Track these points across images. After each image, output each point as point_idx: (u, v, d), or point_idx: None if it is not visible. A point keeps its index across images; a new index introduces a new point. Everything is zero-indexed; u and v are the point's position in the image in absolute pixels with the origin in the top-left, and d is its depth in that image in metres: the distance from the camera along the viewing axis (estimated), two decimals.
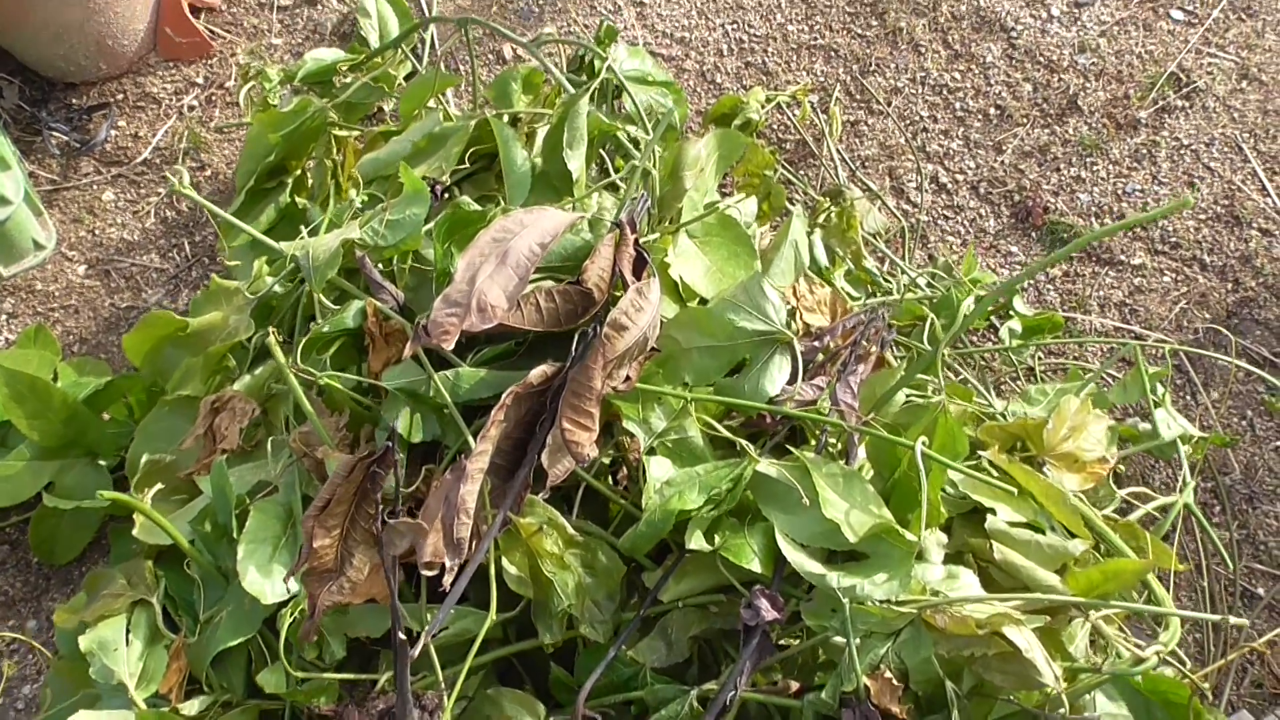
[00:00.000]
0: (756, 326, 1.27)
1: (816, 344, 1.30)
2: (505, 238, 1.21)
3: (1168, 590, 1.32)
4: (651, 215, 1.41)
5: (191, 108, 2.26)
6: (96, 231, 2.13)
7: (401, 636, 1.01)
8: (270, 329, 1.31)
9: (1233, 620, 1.05)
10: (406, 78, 2.03)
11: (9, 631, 1.75)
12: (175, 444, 1.55)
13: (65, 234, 2.12)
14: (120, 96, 2.27)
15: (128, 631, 1.26)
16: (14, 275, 2.06)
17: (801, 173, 2.14)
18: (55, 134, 2.22)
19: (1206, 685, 1.64)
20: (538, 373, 1.18)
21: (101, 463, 1.74)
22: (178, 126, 2.23)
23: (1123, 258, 2.03)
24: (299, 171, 1.89)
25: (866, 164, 2.17)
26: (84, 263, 2.10)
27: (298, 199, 1.86)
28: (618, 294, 1.30)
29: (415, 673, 1.15)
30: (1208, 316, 1.98)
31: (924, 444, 1.16)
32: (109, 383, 1.75)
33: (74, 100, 2.27)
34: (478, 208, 1.34)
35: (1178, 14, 2.29)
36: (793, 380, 1.27)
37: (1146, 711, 1.17)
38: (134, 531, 1.34)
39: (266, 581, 1.19)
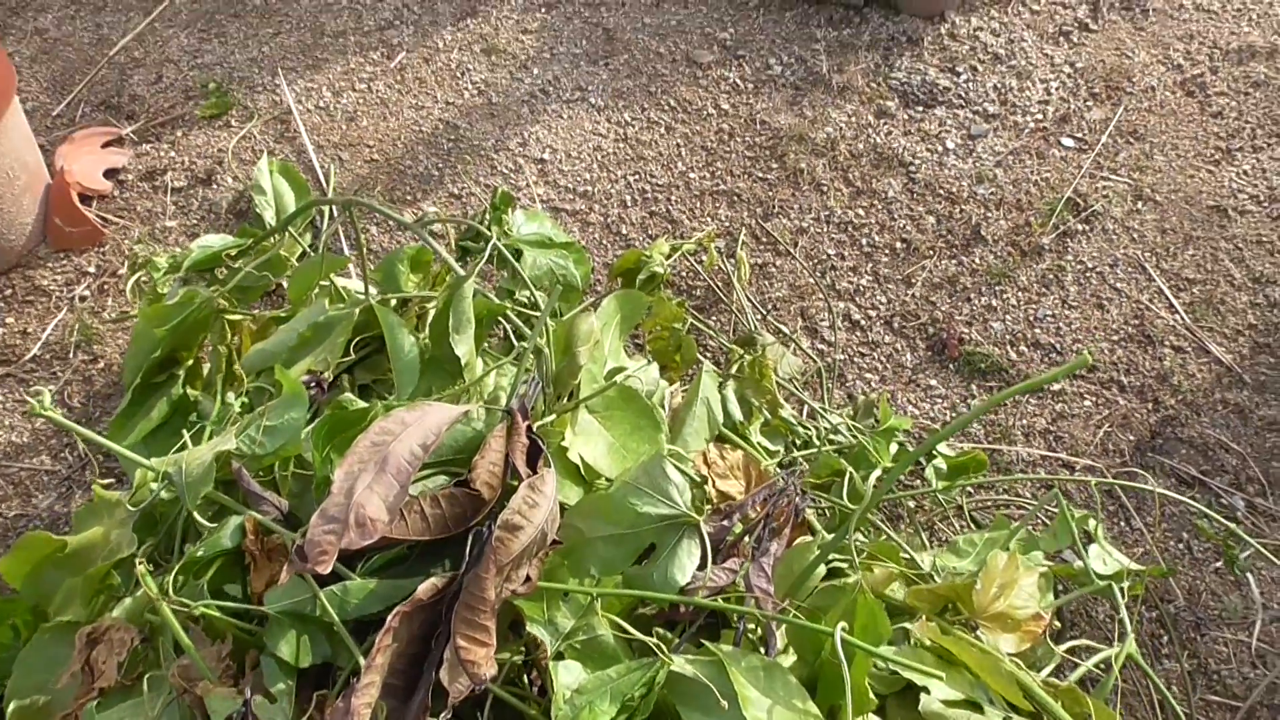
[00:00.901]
0: (661, 510, 1.21)
1: (725, 523, 1.24)
2: (385, 441, 1.14)
3: None
4: (546, 395, 1.36)
5: (83, 298, 2.19)
6: None
7: None
8: (138, 558, 1.22)
9: None
10: (300, 257, 1.98)
11: None
12: (54, 676, 1.43)
13: None
14: (8, 292, 2.20)
15: None
16: None
17: (714, 319, 2.12)
18: None
19: None
20: (425, 587, 1.09)
21: None
22: (69, 319, 2.15)
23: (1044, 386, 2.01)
24: (190, 362, 1.82)
25: (778, 306, 2.15)
26: None
27: (190, 390, 1.78)
28: (514, 484, 1.23)
29: None
30: (1132, 439, 1.96)
31: (844, 629, 1.09)
32: None
33: None
34: (361, 404, 1.27)
35: (1068, 141, 2.35)
36: (703, 565, 1.20)
37: None
38: None
39: None
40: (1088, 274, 2.14)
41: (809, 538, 1.37)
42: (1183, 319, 2.08)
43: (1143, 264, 2.15)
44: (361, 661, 1.11)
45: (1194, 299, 2.11)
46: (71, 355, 2.10)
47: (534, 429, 1.25)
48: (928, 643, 1.23)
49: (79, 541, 1.48)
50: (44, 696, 1.34)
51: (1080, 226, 2.20)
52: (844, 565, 1.33)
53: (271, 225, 2.01)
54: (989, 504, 1.86)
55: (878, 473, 1.44)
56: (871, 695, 1.12)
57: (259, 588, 1.21)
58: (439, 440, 1.14)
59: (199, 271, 1.90)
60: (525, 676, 1.28)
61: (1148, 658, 1.72)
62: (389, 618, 1.06)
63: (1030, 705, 1.18)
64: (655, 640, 1.13)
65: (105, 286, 2.20)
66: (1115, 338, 2.06)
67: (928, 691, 1.16)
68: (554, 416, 1.33)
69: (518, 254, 1.81)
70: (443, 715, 1.11)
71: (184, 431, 1.58)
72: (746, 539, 1.25)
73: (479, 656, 1.06)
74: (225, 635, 1.22)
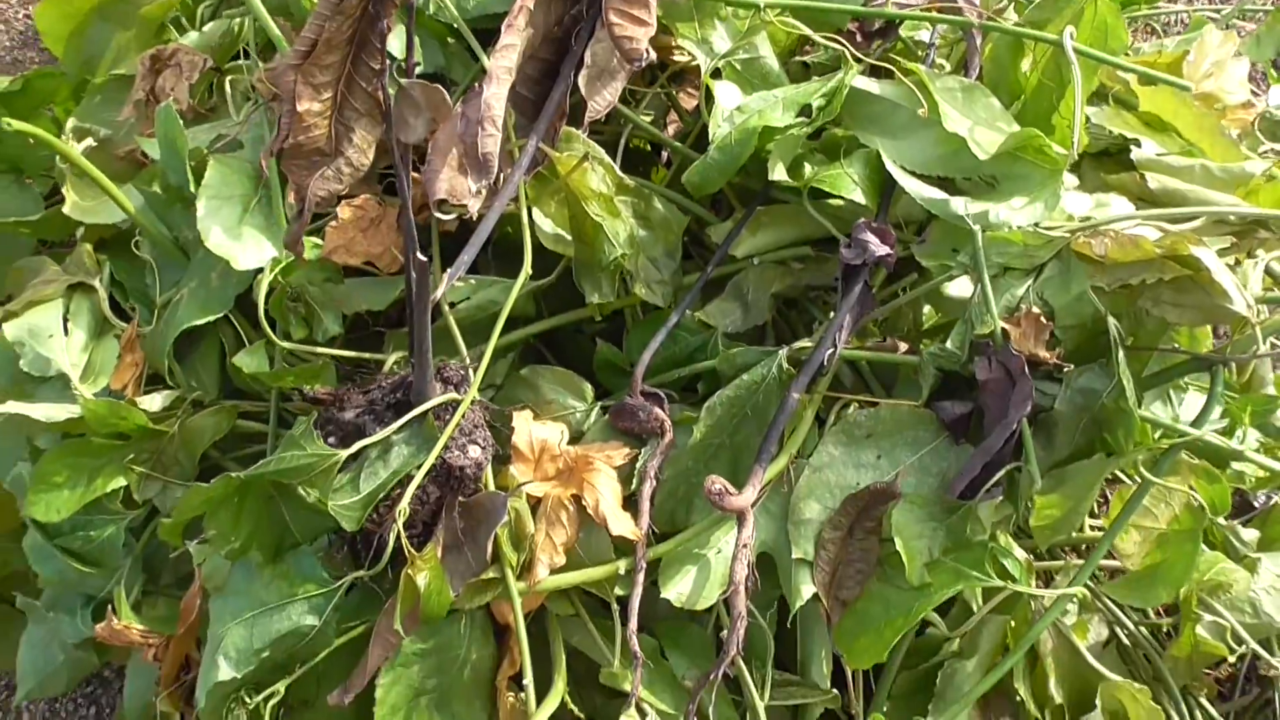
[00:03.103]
0: None
1: None
2: None
3: None
4: None
5: None
6: None
7: (421, 258, 0.76)
8: None
9: None
10: None
11: None
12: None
13: None
14: None
15: (66, 320, 1.01)
16: None
17: None
18: None
19: None
20: None
21: (29, 181, 1.46)
22: None
23: None
24: None
25: None
26: None
27: None
28: None
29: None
30: None
31: (1072, 34, 0.90)
32: (25, 80, 1.44)
33: None
34: None
35: None
36: None
37: None
38: (64, 208, 1.08)
39: (236, 245, 0.93)
40: None
41: None
42: None
43: None
44: (486, 61, 0.93)
45: None
46: None
47: None
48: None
49: None
50: (102, 129, 1.19)
51: None
52: None
53: None
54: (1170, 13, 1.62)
55: None
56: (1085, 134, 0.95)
57: None
58: None
59: None
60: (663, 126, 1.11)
61: None
62: None
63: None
64: (833, 45, 0.95)
65: None
66: None
67: (1138, 144, 1.00)
68: None
69: None
70: (582, 130, 0.96)
71: None
72: None
73: (635, 32, 0.88)
74: None
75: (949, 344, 0.88)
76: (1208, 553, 1.02)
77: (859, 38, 1.02)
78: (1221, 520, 1.06)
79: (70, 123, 1.19)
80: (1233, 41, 1.14)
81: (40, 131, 0.91)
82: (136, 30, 1.29)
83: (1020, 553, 0.94)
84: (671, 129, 1.13)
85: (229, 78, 1.09)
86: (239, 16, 1.21)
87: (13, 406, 0.93)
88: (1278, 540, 1.11)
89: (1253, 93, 1.26)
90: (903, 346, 0.94)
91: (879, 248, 0.89)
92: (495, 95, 0.84)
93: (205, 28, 1.20)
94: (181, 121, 1.00)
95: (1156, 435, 0.89)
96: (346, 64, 0.80)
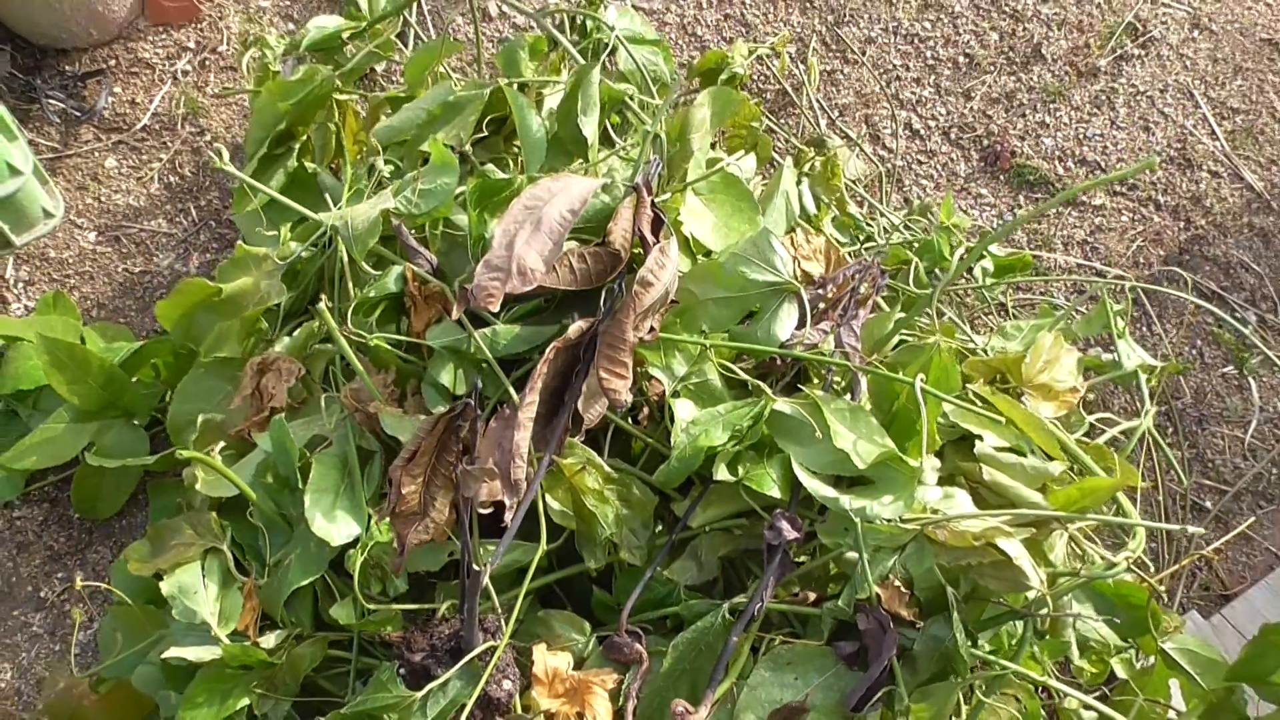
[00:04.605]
0: (766, 278, 1.40)
1: (820, 291, 1.43)
2: (537, 205, 1.31)
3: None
4: (661, 177, 1.52)
5: (185, 72, 2.31)
6: (102, 198, 2.19)
7: (475, 567, 1.14)
8: (322, 297, 1.41)
9: (1190, 529, 1.20)
10: (397, 37, 2.10)
11: (59, 583, 1.86)
12: (212, 403, 1.66)
13: (71, 201, 2.18)
14: (113, 62, 2.31)
15: (203, 576, 1.38)
16: (26, 244, 2.12)
17: (782, 122, 2.26)
18: (53, 101, 2.25)
19: (1163, 589, 1.83)
20: (575, 328, 1.30)
21: (136, 423, 1.84)
22: (173, 91, 2.28)
23: (1084, 199, 2.18)
24: (304, 137, 1.97)
25: (844, 112, 2.28)
26: (93, 229, 2.17)
27: (305, 163, 1.94)
28: (637, 252, 1.42)
29: None
30: (1162, 253, 2.14)
31: (922, 380, 1.30)
32: (140, 347, 1.83)
33: (67, 67, 2.30)
34: (503, 175, 1.44)
35: None
36: (800, 325, 1.40)
37: (1112, 612, 1.35)
38: (197, 486, 1.45)
39: (332, 526, 1.30)
40: (1138, 97, 2.27)
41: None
42: (1222, 145, 2.22)
43: (1191, 91, 2.27)
44: (512, 391, 1.33)
45: (1235, 127, 2.25)
46: (179, 126, 2.24)
47: (656, 203, 1.43)
48: (980, 405, 1.45)
49: (232, 289, 1.67)
50: (219, 415, 1.57)
51: (1136, 51, 2.31)
52: (911, 339, 1.53)
53: (367, 9, 2.11)
54: (1029, 303, 2.06)
55: (957, 258, 1.62)
56: (937, 438, 1.35)
57: (419, 328, 1.42)
58: (585, 206, 1.31)
59: (312, 52, 2.02)
60: (631, 419, 1.50)
61: (1164, 451, 1.96)
62: (547, 350, 1.27)
63: (1064, 457, 1.41)
64: (756, 382, 1.35)
65: (206, 62, 2.31)
66: (1157, 160, 2.21)
67: (981, 439, 1.39)
68: (667, 196, 1.50)
69: (607, 48, 1.93)
70: (578, 438, 1.34)
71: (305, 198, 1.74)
72: (835, 309, 1.45)
73: (619, 386, 1.28)
74: (389, 366, 1.43)
75: (840, 602, 1.25)
76: None
77: (778, 362, 1.42)
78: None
79: (200, 418, 1.55)
80: (1060, 342, 1.54)
81: (206, 459, 1.29)
82: (239, 323, 1.67)
83: None
84: (644, 415, 1.51)
85: (324, 395, 1.47)
86: (316, 321, 1.61)
87: (175, 652, 1.29)
88: (1147, 714, 1.47)
89: (1088, 370, 1.67)
90: (811, 597, 1.31)
91: (790, 532, 1.26)
92: (522, 438, 1.22)
93: (294, 333, 1.59)
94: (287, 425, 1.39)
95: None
96: (432, 460, 1.19)
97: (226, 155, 1.44)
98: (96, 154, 2.24)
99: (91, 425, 1.79)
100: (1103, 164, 2.21)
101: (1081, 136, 2.23)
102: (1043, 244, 2.14)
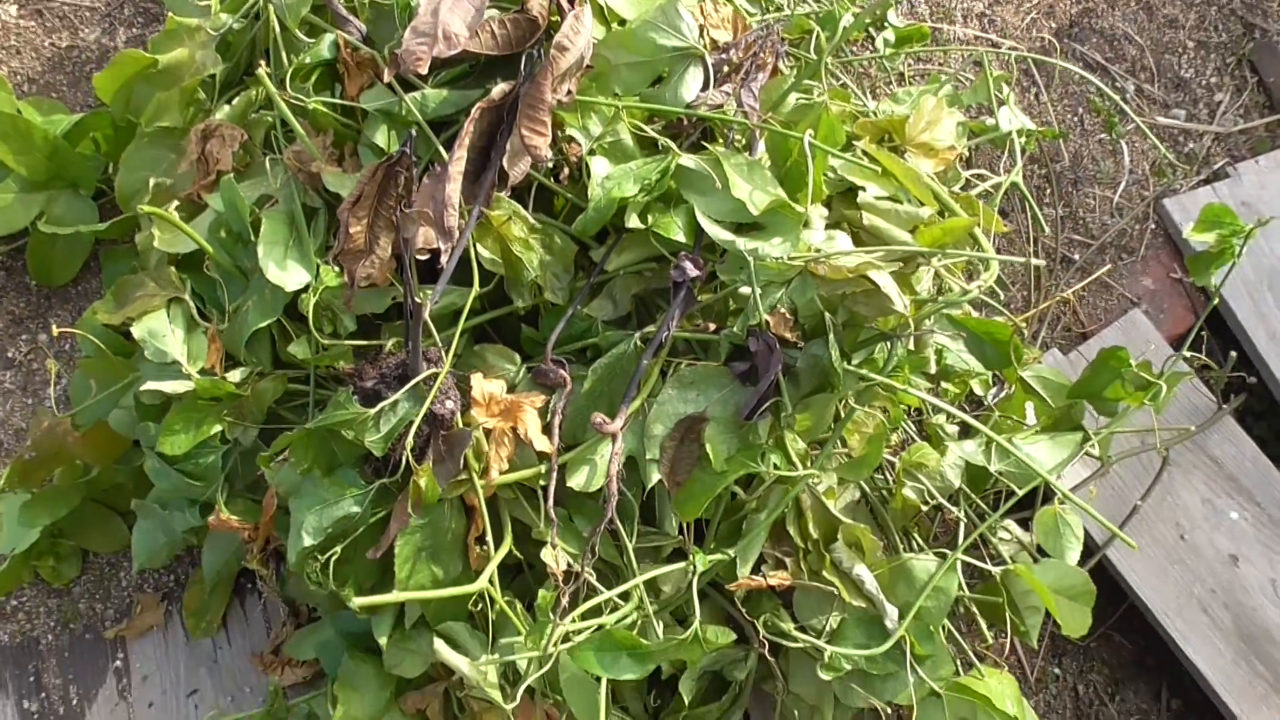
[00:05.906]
0: (674, 43, 1.52)
1: (723, 56, 1.56)
2: None
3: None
4: None
5: None
6: None
7: (417, 299, 1.31)
8: (260, 64, 1.50)
9: (1034, 261, 1.41)
10: None
11: (23, 344, 2.00)
12: (159, 170, 1.76)
13: None
14: None
15: (169, 322, 1.53)
16: None
17: None
18: None
19: (1026, 328, 2.09)
20: (498, 90, 1.42)
21: (83, 193, 1.93)
22: None
23: None
24: None
25: None
26: (14, 3, 2.17)
27: None
28: (555, 19, 1.53)
29: None
30: (1053, 25, 2.28)
31: (810, 136, 1.46)
32: (81, 119, 1.91)
33: None
34: None
35: None
36: (704, 88, 1.54)
37: (979, 347, 1.57)
38: (155, 244, 1.58)
39: (285, 274, 1.46)
40: None
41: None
42: None
43: None
44: (442, 151, 1.46)
45: None
46: None
47: None
48: (866, 160, 1.62)
49: (168, 60, 1.75)
50: (168, 179, 1.68)
51: None
52: (809, 99, 1.68)
53: None
54: (927, 73, 2.20)
55: (844, 24, 1.75)
56: (824, 189, 1.52)
57: (353, 93, 1.52)
58: None
59: None
60: (553, 178, 1.64)
61: (1030, 204, 2.17)
62: (473, 109, 1.39)
63: (937, 205, 1.60)
64: (665, 140, 1.50)
65: None
66: None
67: (864, 190, 1.57)
68: None
69: None
70: (504, 193, 1.49)
71: None
72: (737, 73, 1.58)
73: (540, 143, 1.42)
74: (327, 129, 1.55)
75: (735, 329, 1.45)
76: (917, 442, 1.64)
77: (684, 122, 1.56)
78: (943, 419, 1.69)
79: (151, 181, 1.66)
80: (942, 105, 1.70)
81: (168, 215, 1.42)
82: (178, 93, 1.75)
83: (801, 445, 1.51)
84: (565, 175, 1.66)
85: (268, 157, 1.58)
86: (254, 90, 1.70)
87: (151, 385, 1.46)
88: (1001, 425, 1.73)
89: (970, 133, 1.84)
90: (712, 327, 1.51)
91: (693, 271, 1.45)
92: (454, 189, 1.37)
93: (233, 102, 1.68)
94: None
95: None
96: (375, 204, 1.33)
97: None
98: None
99: (40, 195, 1.89)
100: None
101: None
102: (944, 16, 2.26)
